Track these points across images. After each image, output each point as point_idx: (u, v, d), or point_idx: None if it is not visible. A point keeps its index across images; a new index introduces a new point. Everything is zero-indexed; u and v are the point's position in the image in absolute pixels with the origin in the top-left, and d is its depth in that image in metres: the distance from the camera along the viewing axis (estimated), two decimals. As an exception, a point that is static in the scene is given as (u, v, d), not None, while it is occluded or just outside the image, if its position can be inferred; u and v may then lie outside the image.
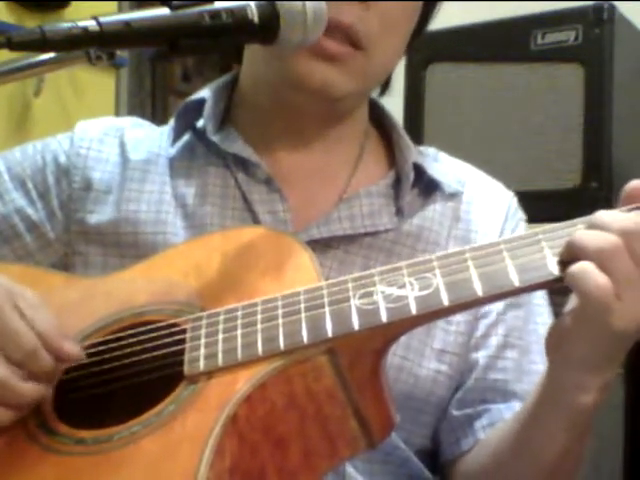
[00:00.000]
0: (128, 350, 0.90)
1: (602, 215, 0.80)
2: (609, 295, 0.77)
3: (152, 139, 1.15)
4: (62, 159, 1.12)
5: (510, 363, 1.08)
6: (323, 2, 0.91)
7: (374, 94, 1.18)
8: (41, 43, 0.78)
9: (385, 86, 1.19)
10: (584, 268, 0.78)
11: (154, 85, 3.53)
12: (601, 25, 2.01)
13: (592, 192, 1.95)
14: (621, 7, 2.04)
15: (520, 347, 1.09)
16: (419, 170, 1.11)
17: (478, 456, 1.04)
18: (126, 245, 1.06)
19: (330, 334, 0.81)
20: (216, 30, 0.85)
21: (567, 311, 0.82)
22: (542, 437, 0.92)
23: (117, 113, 3.10)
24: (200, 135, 1.12)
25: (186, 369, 0.84)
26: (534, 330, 1.10)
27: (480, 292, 0.80)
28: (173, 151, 1.13)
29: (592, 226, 0.80)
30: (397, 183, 1.11)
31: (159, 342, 0.89)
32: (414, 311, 0.81)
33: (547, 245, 0.81)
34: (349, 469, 1.00)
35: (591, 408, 0.86)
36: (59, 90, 2.89)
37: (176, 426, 0.80)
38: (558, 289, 0.82)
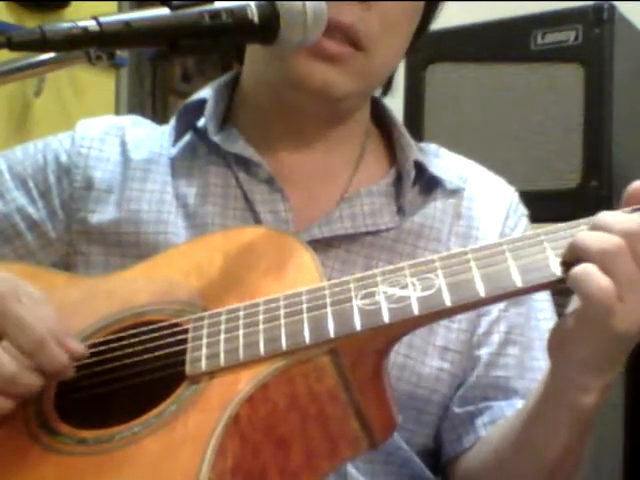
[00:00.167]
0: (129, 350, 0.90)
1: (605, 216, 0.80)
2: (611, 297, 0.77)
3: (153, 138, 1.15)
4: (63, 158, 1.12)
5: (512, 360, 1.08)
6: (323, 2, 0.91)
7: (376, 94, 1.18)
8: (41, 43, 0.78)
9: (387, 86, 1.19)
10: (586, 270, 0.77)
11: (154, 85, 3.53)
12: (601, 25, 2.01)
13: (592, 192, 1.95)
14: (621, 7, 2.04)
15: (522, 344, 1.09)
16: (420, 167, 1.11)
17: (479, 453, 1.04)
18: (127, 245, 1.06)
19: (332, 334, 0.81)
20: (216, 30, 0.85)
21: (569, 312, 0.82)
22: (543, 435, 0.92)
23: (117, 113, 3.10)
24: (201, 135, 1.12)
25: (188, 369, 0.84)
26: (536, 327, 1.10)
27: (482, 293, 0.80)
28: (174, 151, 1.13)
29: (595, 227, 0.80)
30: (398, 181, 1.11)
31: (161, 342, 0.89)
32: (416, 312, 0.81)
33: (550, 246, 0.81)
34: (350, 469, 1.00)
35: (593, 408, 0.86)
36: (59, 90, 2.89)
37: (178, 426, 0.80)
38: (560, 289, 0.82)
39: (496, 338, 1.08)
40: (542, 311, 1.11)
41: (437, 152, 1.18)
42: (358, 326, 0.81)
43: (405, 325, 0.83)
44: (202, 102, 1.12)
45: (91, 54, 0.86)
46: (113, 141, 1.14)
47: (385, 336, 0.83)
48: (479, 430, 1.05)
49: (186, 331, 0.88)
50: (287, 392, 0.81)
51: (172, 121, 1.15)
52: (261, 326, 0.84)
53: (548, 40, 2.06)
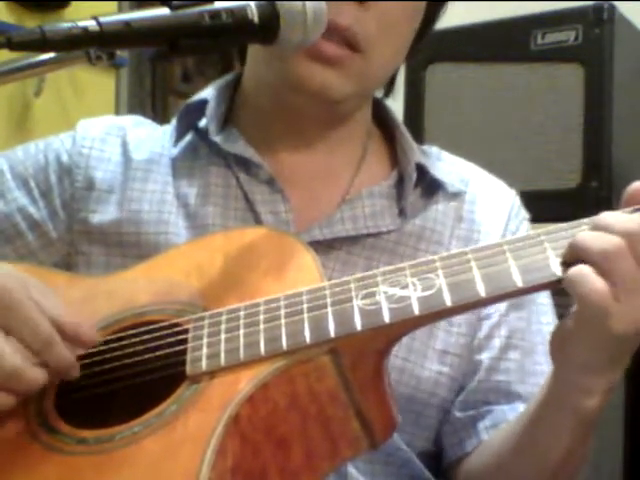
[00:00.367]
0: (130, 350, 0.90)
1: (606, 216, 0.80)
2: (607, 299, 0.77)
3: (154, 138, 1.15)
4: (64, 158, 1.12)
5: (513, 364, 1.08)
6: (323, 2, 0.91)
7: (377, 94, 1.18)
8: (41, 43, 0.78)
9: (389, 87, 1.19)
10: (581, 272, 0.78)
11: (154, 85, 3.53)
12: (601, 25, 2.01)
13: (592, 192, 1.95)
14: (621, 7, 2.04)
15: (523, 348, 1.09)
16: (422, 170, 1.11)
17: (481, 456, 1.04)
18: (128, 245, 1.06)
19: (333, 334, 0.81)
20: (216, 30, 0.85)
21: (570, 314, 0.82)
22: (546, 438, 0.92)
23: (117, 113, 3.10)
24: (202, 135, 1.12)
25: (188, 369, 0.84)
26: (538, 331, 1.10)
27: (483, 293, 0.80)
28: (175, 151, 1.12)
29: (595, 227, 0.80)
30: (400, 183, 1.11)
31: (161, 342, 0.89)
32: (417, 311, 0.81)
33: (550, 246, 0.81)
34: (351, 469, 1.00)
35: (596, 410, 0.86)
36: (59, 90, 2.88)
37: (178, 426, 0.80)
38: (561, 290, 0.82)
39: (497, 342, 1.08)
40: (544, 315, 1.11)
41: (439, 155, 1.17)
42: (359, 326, 0.81)
43: (405, 325, 0.83)
44: (203, 102, 1.12)
45: (91, 54, 0.86)
46: (114, 141, 1.14)
47: (385, 336, 0.83)
48: (481, 434, 1.05)
49: (186, 331, 0.88)
50: (287, 392, 0.81)
51: (173, 121, 1.15)
52: (262, 326, 0.84)
53: (548, 40, 2.06)
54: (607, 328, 0.78)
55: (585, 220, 0.83)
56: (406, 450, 1.05)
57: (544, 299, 1.12)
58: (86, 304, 0.98)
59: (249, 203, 1.07)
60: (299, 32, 0.90)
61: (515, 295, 0.83)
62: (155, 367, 0.89)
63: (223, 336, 0.85)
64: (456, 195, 1.12)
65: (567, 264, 0.80)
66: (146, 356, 0.90)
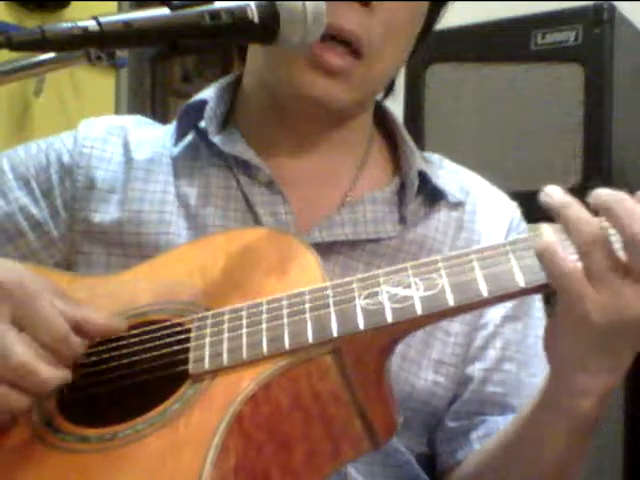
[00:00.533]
0: (132, 349, 0.91)
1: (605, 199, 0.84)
2: (578, 276, 0.78)
3: (156, 138, 1.15)
4: (66, 158, 1.12)
5: (508, 376, 1.07)
6: (323, 2, 0.91)
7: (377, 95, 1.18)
8: (41, 43, 0.78)
9: (389, 89, 1.19)
10: (553, 246, 0.79)
11: (154, 85, 3.53)
12: (601, 25, 2.01)
13: (592, 192, 1.95)
14: (621, 7, 2.04)
15: (518, 360, 1.08)
16: (424, 178, 1.10)
17: (474, 463, 1.03)
18: (129, 245, 1.06)
19: (335, 334, 0.81)
20: (216, 30, 0.85)
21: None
22: (539, 443, 0.91)
23: (117, 113, 3.09)
24: (203, 135, 1.12)
25: (191, 368, 0.84)
26: (533, 344, 1.09)
27: (485, 293, 0.81)
28: (176, 151, 1.12)
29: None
30: (401, 190, 1.11)
31: (164, 341, 0.89)
32: (419, 311, 0.81)
33: None
34: (350, 470, 0.99)
35: (590, 414, 0.85)
36: (59, 90, 2.88)
37: (180, 425, 0.80)
38: (552, 299, 0.82)
39: (492, 354, 1.07)
40: (539, 328, 1.09)
41: (441, 163, 1.17)
42: (361, 325, 0.81)
43: (408, 325, 0.83)
44: (203, 103, 1.12)
45: (91, 54, 0.86)
46: (116, 141, 1.14)
47: (388, 336, 0.83)
48: (473, 444, 1.05)
49: (189, 330, 0.88)
50: (290, 391, 0.81)
51: (174, 121, 1.15)
52: (264, 325, 0.84)
53: (548, 40, 2.06)
54: (584, 316, 0.78)
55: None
56: (404, 452, 1.05)
57: (539, 312, 1.12)
58: (88, 304, 0.98)
59: (249, 205, 1.07)
60: (299, 32, 0.90)
61: (517, 295, 0.83)
62: (158, 366, 0.89)
63: (226, 335, 0.85)
64: (457, 205, 1.12)
65: None
66: (149, 355, 0.90)
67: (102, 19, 0.80)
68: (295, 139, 1.11)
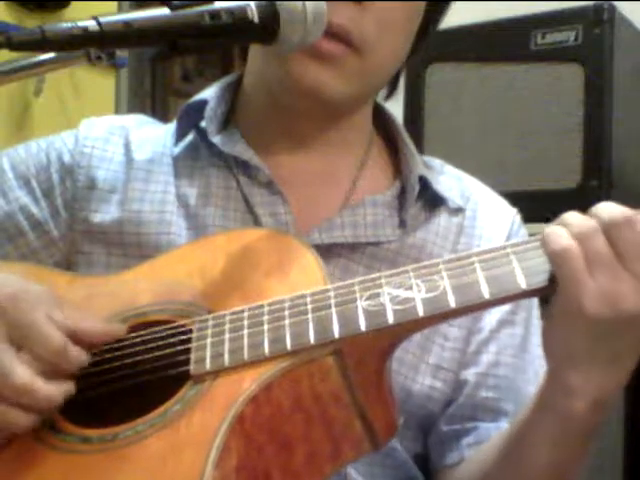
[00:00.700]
0: (133, 350, 0.90)
1: (598, 206, 0.83)
2: (579, 260, 0.79)
3: (157, 137, 1.15)
4: (66, 158, 1.12)
5: (503, 381, 1.07)
6: (323, 2, 0.91)
7: (379, 96, 1.18)
8: (41, 43, 0.78)
9: (391, 89, 1.19)
10: (556, 231, 0.80)
11: (154, 85, 3.53)
12: (601, 25, 2.01)
13: (592, 192, 1.95)
14: (621, 7, 2.04)
15: (515, 365, 1.08)
16: (424, 183, 1.10)
17: (467, 469, 1.03)
18: (130, 245, 1.06)
19: (337, 335, 0.81)
20: (216, 30, 0.85)
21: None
22: (534, 445, 0.91)
23: (117, 113, 3.09)
24: (203, 135, 1.11)
25: (192, 369, 0.84)
26: (532, 350, 1.09)
27: (487, 294, 0.81)
28: (177, 150, 1.12)
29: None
30: (401, 194, 1.10)
31: (164, 342, 0.89)
32: (421, 313, 0.81)
33: None
34: (350, 470, 0.99)
35: (584, 416, 0.85)
36: (59, 90, 2.88)
37: (182, 426, 0.80)
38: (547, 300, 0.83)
39: (485, 358, 1.07)
40: (538, 335, 1.09)
41: (442, 168, 1.17)
42: (363, 327, 0.81)
43: (409, 326, 0.83)
44: (203, 103, 1.12)
45: (91, 54, 0.86)
46: (117, 141, 1.13)
47: (389, 337, 0.83)
48: (463, 450, 1.04)
49: (190, 331, 0.88)
50: (291, 392, 0.81)
51: (175, 120, 1.15)
52: (266, 326, 0.84)
53: (548, 40, 2.06)
54: (580, 304, 0.79)
55: None
56: (402, 452, 1.05)
57: (538, 320, 1.11)
58: (88, 304, 0.98)
59: (249, 205, 1.07)
60: (299, 32, 0.90)
61: (519, 297, 0.84)
62: (159, 367, 0.89)
63: (227, 336, 0.85)
64: (458, 210, 1.12)
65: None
66: (150, 356, 0.90)
67: (102, 19, 0.80)
68: (294, 139, 1.10)
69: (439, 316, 0.82)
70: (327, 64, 1.01)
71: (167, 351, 0.89)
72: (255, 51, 1.10)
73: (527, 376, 1.08)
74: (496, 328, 1.08)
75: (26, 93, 2.80)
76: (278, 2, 0.88)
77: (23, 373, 0.82)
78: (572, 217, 0.82)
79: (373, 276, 0.86)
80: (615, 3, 2.03)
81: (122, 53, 0.90)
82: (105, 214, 1.08)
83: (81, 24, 0.79)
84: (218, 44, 0.87)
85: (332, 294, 0.85)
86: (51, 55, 0.91)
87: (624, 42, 2.06)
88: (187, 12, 0.84)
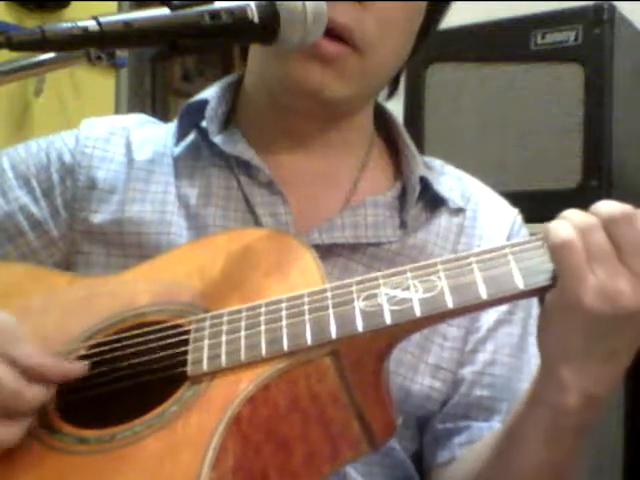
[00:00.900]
0: (131, 350, 0.90)
1: (598, 205, 0.84)
2: (580, 254, 0.79)
3: (157, 137, 1.15)
4: (67, 158, 1.12)
5: (498, 380, 1.07)
6: (323, 2, 0.91)
7: (381, 96, 1.18)
8: (41, 43, 0.78)
9: (392, 89, 1.19)
10: (558, 225, 0.81)
11: (154, 85, 3.53)
12: (601, 25, 2.01)
13: (592, 192, 1.95)
14: (621, 7, 2.04)
15: (511, 365, 1.08)
16: (425, 184, 1.10)
17: (459, 467, 1.03)
18: (130, 245, 1.06)
19: (334, 336, 0.81)
20: (216, 30, 0.85)
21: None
22: (526, 441, 0.91)
23: (117, 113, 3.10)
24: (204, 135, 1.11)
25: (189, 370, 0.84)
26: (528, 350, 1.09)
27: (484, 295, 0.81)
28: (177, 150, 1.12)
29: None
30: (402, 195, 1.10)
31: (162, 343, 0.89)
32: (418, 313, 0.81)
33: None
34: (349, 470, 0.99)
35: (576, 412, 0.85)
36: (59, 90, 2.88)
37: (179, 426, 0.80)
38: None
39: (481, 357, 1.07)
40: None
41: (442, 169, 1.17)
42: (360, 327, 0.81)
43: (407, 327, 0.83)
44: (204, 102, 1.12)
45: (91, 54, 0.86)
46: (118, 141, 1.13)
47: (387, 338, 0.83)
48: (454, 449, 1.05)
49: (188, 332, 0.88)
50: (288, 393, 0.81)
51: (176, 120, 1.15)
52: (263, 327, 0.84)
53: (548, 40, 2.06)
54: (578, 297, 0.79)
55: None
56: (400, 451, 1.05)
57: (536, 320, 1.11)
58: (87, 305, 0.98)
59: (249, 205, 1.07)
60: (299, 32, 0.90)
61: (517, 298, 0.84)
62: (156, 368, 0.89)
63: (224, 337, 0.85)
64: (458, 211, 1.12)
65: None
66: (147, 357, 0.90)
67: (102, 19, 0.80)
68: (294, 139, 1.10)
69: (436, 317, 0.82)
70: (329, 65, 1.01)
71: (165, 352, 0.89)
72: (255, 51, 1.10)
73: (523, 376, 1.08)
74: (493, 327, 1.08)
75: (26, 93, 2.80)
76: (278, 2, 0.88)
77: None
78: (572, 213, 0.83)
79: (370, 276, 0.86)
80: (615, 3, 2.03)
81: (122, 53, 0.90)
82: (105, 214, 1.08)
83: (81, 24, 0.79)
84: (218, 44, 0.87)
85: (329, 294, 0.85)
86: (51, 55, 0.91)
87: (624, 42, 2.06)
88: (187, 12, 0.84)
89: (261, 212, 1.06)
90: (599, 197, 0.80)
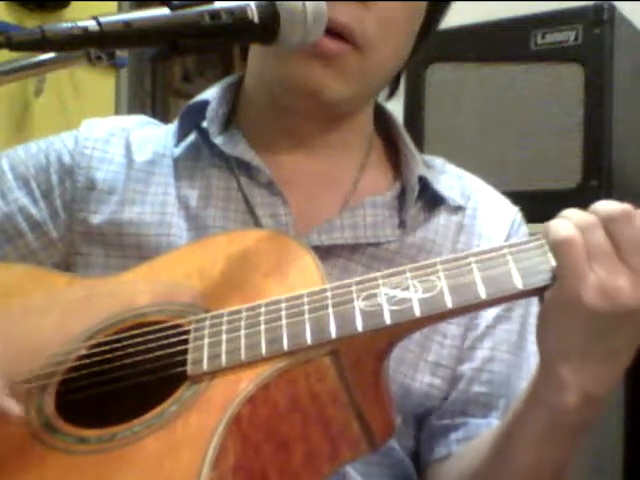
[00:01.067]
0: (131, 350, 0.90)
1: (597, 205, 0.84)
2: (581, 252, 0.79)
3: (157, 138, 1.15)
4: (66, 159, 1.12)
5: (496, 377, 1.07)
6: (323, 2, 0.91)
7: (381, 96, 1.18)
8: (41, 43, 0.78)
9: (393, 89, 1.18)
10: (559, 223, 0.81)
11: (154, 85, 3.53)
12: (601, 25, 2.01)
13: (592, 192, 1.95)
14: (621, 7, 2.04)
15: (509, 361, 1.08)
16: (424, 183, 1.10)
17: (456, 464, 1.03)
18: (129, 246, 1.06)
19: (334, 335, 0.81)
20: (216, 30, 0.85)
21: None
22: (519, 441, 0.91)
23: (117, 113, 3.10)
24: (205, 136, 1.11)
25: (189, 369, 0.84)
26: (526, 347, 1.09)
27: (484, 295, 0.81)
28: (178, 151, 1.12)
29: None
30: (402, 195, 1.10)
31: (162, 342, 0.89)
32: (418, 313, 0.81)
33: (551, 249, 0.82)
34: (349, 470, 0.99)
35: (574, 411, 0.84)
36: (59, 90, 2.88)
37: (178, 426, 0.80)
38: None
39: (479, 354, 1.07)
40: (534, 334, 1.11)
41: (443, 168, 1.17)
42: (360, 327, 0.81)
43: (406, 326, 0.83)
44: (205, 103, 1.12)
45: (91, 54, 0.86)
46: (117, 142, 1.13)
47: (386, 337, 0.83)
48: (451, 445, 1.05)
49: (187, 332, 0.88)
50: (288, 392, 0.81)
51: (176, 121, 1.15)
52: (263, 327, 0.84)
53: (548, 40, 2.06)
54: (578, 295, 0.79)
55: None
56: (399, 450, 1.05)
57: (535, 318, 1.11)
58: (87, 305, 0.98)
59: (249, 206, 1.07)
60: (299, 32, 0.90)
61: (516, 298, 0.84)
62: (156, 367, 0.89)
63: (224, 337, 0.85)
64: (458, 209, 1.12)
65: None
66: (147, 356, 0.90)
67: (102, 19, 0.80)
68: (294, 139, 1.10)
69: (436, 317, 0.82)
70: (329, 64, 1.01)
71: (164, 352, 0.89)
72: (255, 51, 1.10)
73: (521, 373, 1.08)
74: (492, 324, 1.08)
75: (26, 93, 2.80)
76: (278, 2, 0.88)
77: None
78: (572, 212, 0.83)
79: (370, 276, 0.86)
80: (615, 3, 2.03)
81: (122, 53, 0.90)
82: (104, 215, 1.08)
83: (81, 24, 0.79)
84: (218, 44, 0.87)
85: (329, 294, 0.85)
86: (51, 55, 0.91)
87: (624, 42, 2.06)
88: (187, 12, 0.84)
89: (261, 213, 1.06)
90: (599, 197, 0.80)
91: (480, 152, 2.10)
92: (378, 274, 0.86)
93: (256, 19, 0.86)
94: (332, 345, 0.82)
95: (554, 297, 0.81)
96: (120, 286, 0.99)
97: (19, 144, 1.16)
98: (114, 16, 0.81)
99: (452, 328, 1.06)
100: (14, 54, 0.81)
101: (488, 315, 1.08)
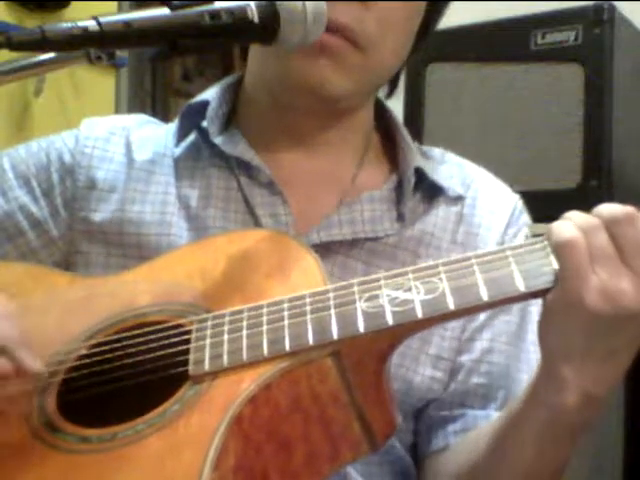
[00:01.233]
0: (132, 350, 0.91)
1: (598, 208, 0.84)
2: (584, 253, 0.79)
3: (158, 138, 1.15)
4: (67, 157, 1.12)
5: (495, 368, 1.07)
6: (323, 2, 0.91)
7: (380, 96, 1.18)
8: (41, 43, 0.78)
9: (392, 87, 1.19)
10: (561, 225, 0.81)
11: (154, 85, 3.53)
12: (601, 25, 2.01)
13: (592, 192, 1.95)
14: (621, 7, 2.04)
15: (508, 353, 1.08)
16: (421, 174, 1.10)
17: (454, 457, 1.03)
18: (129, 245, 1.06)
19: (336, 336, 0.82)
20: (216, 30, 0.85)
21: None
22: (519, 439, 0.91)
23: (117, 113, 3.10)
24: (205, 136, 1.11)
25: (191, 369, 0.84)
26: (526, 339, 1.09)
27: (486, 297, 0.81)
28: (178, 151, 1.12)
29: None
30: (399, 187, 1.10)
31: (163, 342, 0.89)
32: (420, 315, 0.81)
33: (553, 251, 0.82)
34: (350, 470, 1.00)
35: (574, 411, 0.85)
36: (59, 90, 2.88)
37: (180, 426, 0.80)
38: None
39: (478, 345, 1.07)
40: (534, 323, 1.10)
41: (442, 158, 1.17)
42: (362, 328, 0.81)
43: (408, 328, 0.83)
44: (205, 103, 1.12)
45: (91, 54, 0.86)
46: (118, 141, 1.14)
47: (388, 339, 0.83)
48: (449, 437, 1.05)
49: (189, 332, 0.88)
50: (290, 393, 0.81)
51: (176, 120, 1.15)
52: (265, 327, 0.84)
53: (548, 40, 2.06)
54: (580, 296, 0.79)
55: None
56: (400, 448, 1.05)
57: (535, 307, 1.10)
58: (87, 304, 0.98)
59: (249, 206, 1.07)
60: (299, 32, 0.90)
61: (517, 300, 0.84)
62: (158, 367, 0.89)
63: (226, 337, 0.85)
64: (457, 199, 1.12)
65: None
66: (148, 356, 0.90)
67: (102, 19, 0.80)
68: (295, 137, 1.10)
69: (438, 318, 0.82)
70: (329, 58, 1.02)
71: (166, 351, 0.89)
72: (255, 51, 1.11)
73: (521, 364, 1.08)
74: (491, 315, 1.08)
75: (26, 93, 2.80)
76: (278, 2, 0.88)
77: None
78: (575, 215, 0.83)
79: (372, 277, 0.86)
80: (615, 3, 2.03)
81: (122, 53, 0.90)
82: (105, 213, 1.08)
83: (81, 24, 0.79)
84: (218, 44, 0.87)
85: (331, 295, 0.85)
86: (51, 55, 0.91)
87: (624, 42, 2.06)
88: (187, 12, 0.84)
89: (261, 213, 1.06)
90: (599, 197, 0.81)
91: (480, 152, 2.08)
92: (380, 275, 0.86)
93: (256, 19, 0.86)
94: (334, 346, 0.82)
95: (556, 299, 0.81)
96: (120, 286, 0.99)
97: (19, 144, 1.16)
98: (114, 16, 0.82)
99: (460, 319, 1.05)
100: (14, 54, 0.81)
101: None
